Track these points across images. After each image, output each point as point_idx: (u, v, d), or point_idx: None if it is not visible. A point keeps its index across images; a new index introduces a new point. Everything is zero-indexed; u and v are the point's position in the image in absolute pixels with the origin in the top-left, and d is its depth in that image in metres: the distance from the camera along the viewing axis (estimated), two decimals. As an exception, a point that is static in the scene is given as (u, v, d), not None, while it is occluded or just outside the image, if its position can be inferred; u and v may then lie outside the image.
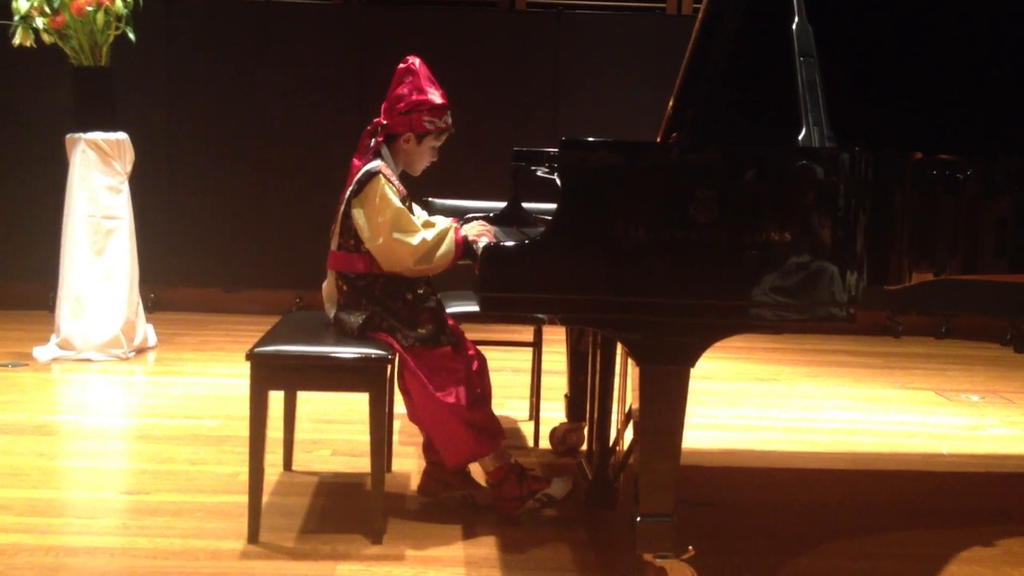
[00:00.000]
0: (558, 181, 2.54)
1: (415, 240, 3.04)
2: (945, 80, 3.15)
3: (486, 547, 3.07)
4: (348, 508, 3.36)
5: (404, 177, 3.26)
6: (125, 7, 5.48)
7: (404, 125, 3.18)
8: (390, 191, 3.07)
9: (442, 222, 3.14)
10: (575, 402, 3.97)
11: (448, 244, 3.06)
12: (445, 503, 3.37)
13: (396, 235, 3.04)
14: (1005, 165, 2.87)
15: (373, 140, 3.18)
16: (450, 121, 3.24)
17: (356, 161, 3.17)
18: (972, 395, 5.32)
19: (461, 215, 3.66)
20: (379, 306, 3.14)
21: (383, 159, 3.16)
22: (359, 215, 3.09)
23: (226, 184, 6.94)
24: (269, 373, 3.01)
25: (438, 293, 3.27)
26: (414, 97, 3.16)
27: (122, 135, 5.64)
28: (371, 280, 3.14)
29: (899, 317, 7.01)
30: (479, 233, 3.11)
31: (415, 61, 3.21)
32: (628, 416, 3.20)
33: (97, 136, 5.54)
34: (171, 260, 6.86)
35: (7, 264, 6.86)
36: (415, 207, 3.32)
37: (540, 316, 3.83)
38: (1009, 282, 3.05)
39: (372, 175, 3.08)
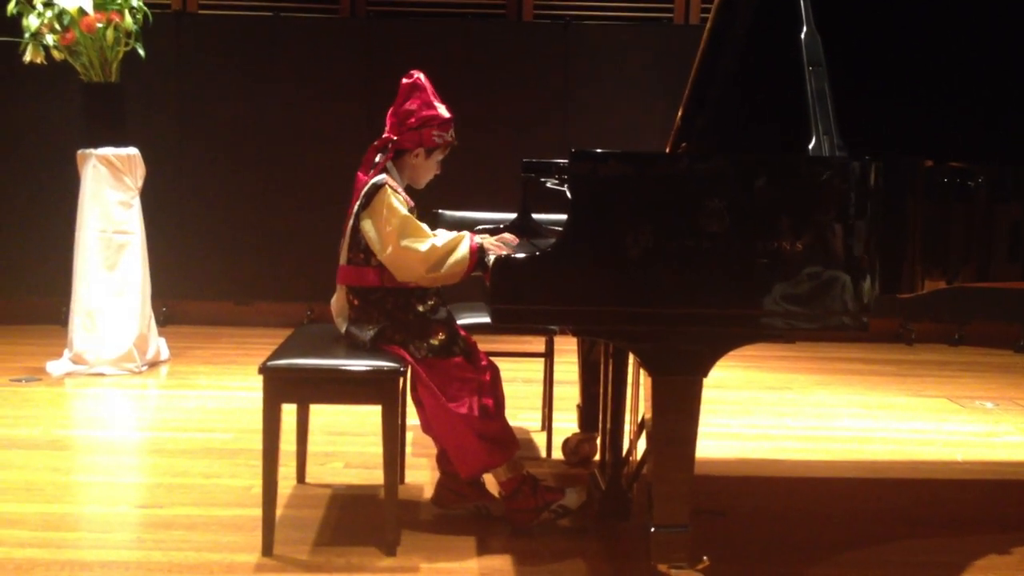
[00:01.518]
0: (568, 192, 2.55)
1: (424, 246, 3.05)
2: (956, 86, 3.15)
3: (500, 559, 3.07)
4: (361, 520, 3.36)
5: (409, 190, 3.28)
6: (135, 23, 5.51)
7: (414, 140, 3.20)
8: (397, 201, 3.09)
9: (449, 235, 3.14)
10: (587, 412, 3.97)
11: (461, 251, 3.05)
12: (459, 515, 3.37)
13: (404, 242, 3.05)
14: (1017, 170, 2.86)
15: (380, 156, 3.19)
16: (454, 135, 3.27)
17: (361, 175, 3.19)
18: (986, 402, 5.30)
19: (470, 227, 3.67)
20: (391, 320, 3.14)
21: (388, 173, 3.17)
22: (369, 227, 3.10)
23: (236, 197, 6.97)
24: (282, 387, 3.02)
25: (448, 305, 3.27)
26: (424, 112, 3.18)
27: (133, 150, 5.67)
28: (382, 294, 3.15)
29: (912, 324, 6.99)
30: (498, 242, 3.10)
31: (420, 75, 3.23)
32: (641, 426, 3.19)
33: (108, 151, 5.56)
34: (182, 274, 6.88)
35: (20, 279, 6.89)
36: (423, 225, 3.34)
37: (552, 327, 3.83)
38: (1022, 288, 3.04)
39: (378, 187, 3.10)
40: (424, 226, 3.12)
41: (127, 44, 5.55)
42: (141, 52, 5.59)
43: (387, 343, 3.13)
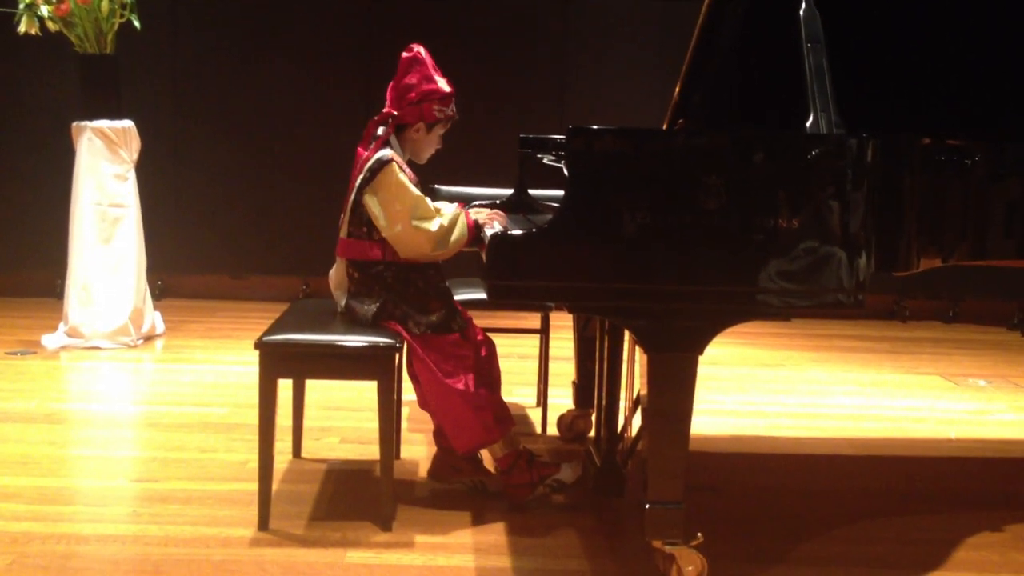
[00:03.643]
0: (565, 168, 2.54)
1: (433, 227, 3.06)
2: (954, 63, 3.14)
3: (495, 533, 3.08)
4: (357, 495, 3.37)
5: (411, 164, 3.27)
6: (130, -6, 5.48)
7: (415, 115, 3.18)
8: (404, 179, 3.08)
9: (449, 208, 3.15)
10: (583, 388, 3.98)
11: (461, 228, 3.08)
12: (454, 490, 3.38)
13: (415, 222, 3.05)
14: (1014, 148, 2.86)
15: (381, 130, 3.18)
16: (455, 109, 3.26)
17: (361, 151, 3.18)
18: (979, 380, 5.32)
19: (467, 202, 3.66)
20: (392, 293, 3.14)
21: (391, 148, 3.16)
22: (373, 203, 3.09)
23: (232, 171, 6.95)
24: (278, 362, 3.02)
25: (446, 280, 3.27)
26: (424, 87, 3.16)
27: (128, 123, 5.65)
28: (384, 267, 3.14)
29: (906, 301, 7.00)
30: (488, 218, 3.12)
31: (420, 49, 3.21)
32: (636, 402, 3.20)
33: (103, 124, 5.54)
34: (178, 247, 6.87)
35: (15, 252, 6.88)
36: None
37: (548, 303, 3.84)
38: (1017, 267, 3.04)
39: (384, 163, 3.09)
40: (429, 202, 3.13)
41: (122, 15, 5.52)
42: (136, 24, 5.56)
43: (386, 318, 3.13)
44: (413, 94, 3.17)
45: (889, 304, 7.03)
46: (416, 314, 3.14)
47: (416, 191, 3.08)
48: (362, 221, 3.14)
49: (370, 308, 3.14)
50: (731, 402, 4.75)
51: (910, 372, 5.48)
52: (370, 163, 3.11)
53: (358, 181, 3.13)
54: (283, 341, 3.02)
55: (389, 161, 3.09)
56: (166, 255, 6.70)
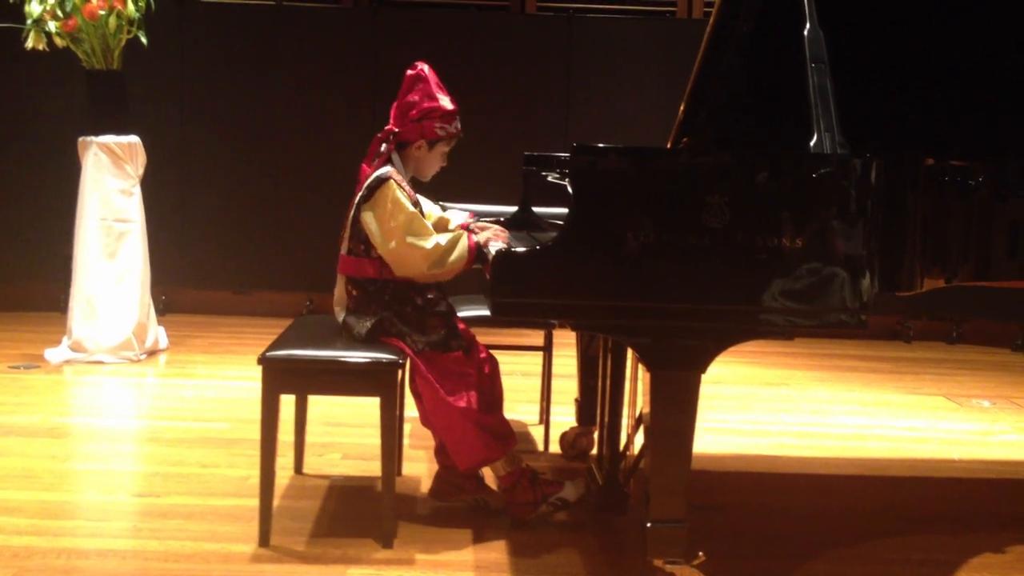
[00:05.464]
0: (569, 186, 2.55)
1: (429, 244, 3.05)
2: (958, 83, 3.15)
3: (496, 551, 3.07)
4: (359, 512, 3.37)
5: (414, 182, 3.27)
6: (137, 11, 5.50)
7: (416, 132, 3.19)
8: (402, 195, 3.08)
9: (456, 218, 3.15)
10: (585, 406, 3.97)
11: (461, 249, 3.06)
12: (456, 507, 3.37)
13: (410, 239, 3.05)
14: (1018, 168, 2.86)
15: (384, 147, 3.18)
16: (459, 126, 3.26)
17: (365, 167, 3.18)
18: (983, 401, 5.31)
19: (476, 216, 3.67)
20: (389, 311, 3.14)
21: (393, 165, 3.17)
22: (370, 220, 3.09)
23: (237, 187, 6.97)
24: (281, 377, 3.02)
25: (448, 297, 3.27)
26: (425, 104, 3.17)
27: (134, 138, 5.67)
28: (381, 285, 3.14)
29: (910, 322, 6.99)
30: (490, 239, 3.12)
31: (424, 67, 3.22)
32: (639, 420, 3.20)
33: (109, 139, 5.56)
34: (182, 263, 6.89)
35: (20, 266, 6.89)
36: (429, 203, 3.35)
37: (551, 321, 3.84)
38: (1021, 288, 3.04)
39: (383, 180, 3.09)
40: (428, 212, 3.13)
41: (129, 31, 5.55)
42: (143, 40, 5.59)
43: (385, 335, 3.13)
44: (414, 111, 3.18)
45: (892, 324, 7.03)
46: (413, 333, 3.14)
47: (411, 208, 3.08)
48: (360, 238, 3.14)
49: (364, 325, 3.14)
50: (734, 421, 4.74)
51: (913, 392, 5.47)
52: (370, 180, 3.11)
53: (357, 198, 3.14)
54: (286, 357, 3.02)
55: (388, 178, 3.09)
56: (170, 270, 6.72)
